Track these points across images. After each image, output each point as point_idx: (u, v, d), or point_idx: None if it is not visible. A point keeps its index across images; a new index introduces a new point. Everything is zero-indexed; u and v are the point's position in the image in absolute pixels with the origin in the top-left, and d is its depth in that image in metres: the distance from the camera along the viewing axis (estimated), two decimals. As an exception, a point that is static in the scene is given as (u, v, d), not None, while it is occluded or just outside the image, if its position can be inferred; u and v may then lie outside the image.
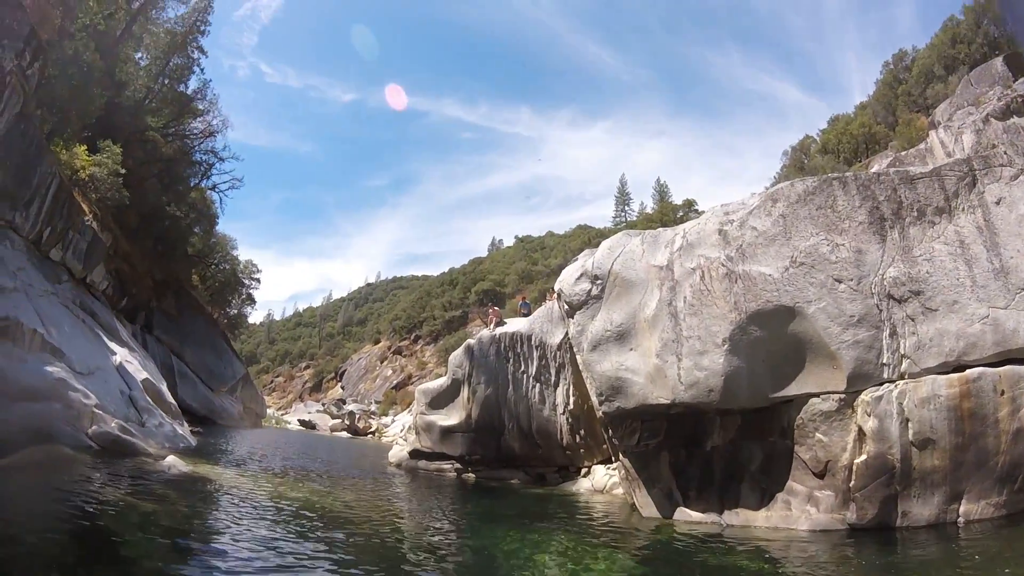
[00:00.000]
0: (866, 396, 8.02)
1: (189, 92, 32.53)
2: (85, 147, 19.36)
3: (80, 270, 17.27)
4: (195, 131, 34.50)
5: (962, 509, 7.67)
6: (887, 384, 8.01)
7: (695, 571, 6.54)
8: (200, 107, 33.38)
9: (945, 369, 7.93)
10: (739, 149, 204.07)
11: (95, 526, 6.07)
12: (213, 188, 37.91)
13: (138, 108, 27.92)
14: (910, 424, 7.77)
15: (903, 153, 22.77)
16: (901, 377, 8.04)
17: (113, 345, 15.63)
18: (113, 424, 11.56)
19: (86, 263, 17.47)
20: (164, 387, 17.50)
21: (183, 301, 31.47)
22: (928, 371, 7.97)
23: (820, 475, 8.30)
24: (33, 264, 13.76)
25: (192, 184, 35.88)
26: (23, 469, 7.76)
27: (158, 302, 27.90)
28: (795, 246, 8.74)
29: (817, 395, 8.37)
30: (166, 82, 31.05)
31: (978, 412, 7.67)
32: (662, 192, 74.69)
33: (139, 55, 29.35)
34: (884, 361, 8.06)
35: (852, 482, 7.95)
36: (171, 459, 11.39)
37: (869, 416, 7.90)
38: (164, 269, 30.14)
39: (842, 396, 8.18)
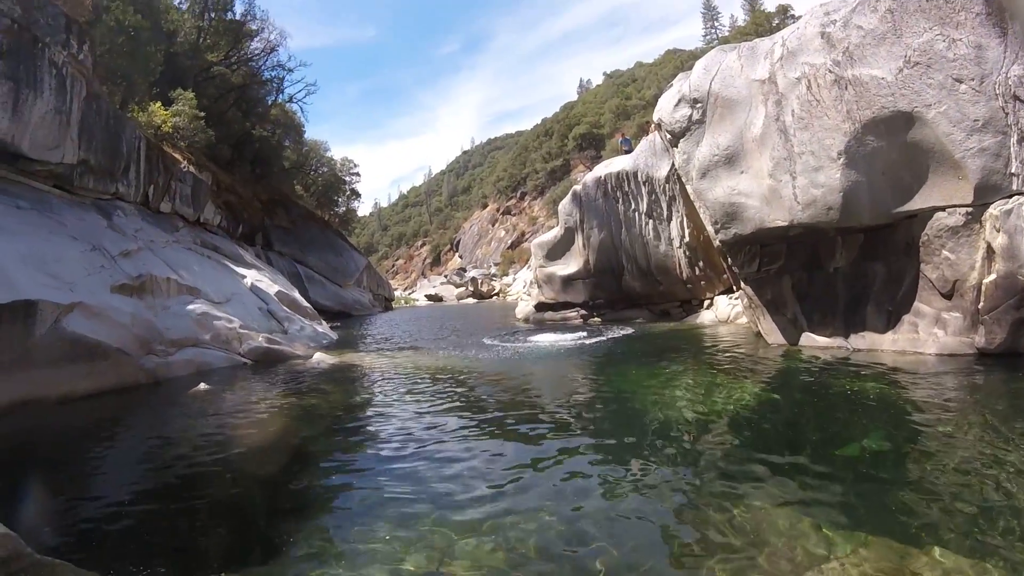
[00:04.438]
0: (994, 210, 7.18)
1: (238, 18, 32.84)
2: (159, 103, 20.31)
3: (191, 213, 18.75)
4: (256, 52, 34.97)
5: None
6: (1017, 196, 7.06)
7: (823, 396, 6.54)
8: (253, 28, 33.57)
9: (1082, 181, 6.79)
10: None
11: (269, 427, 6.76)
12: (291, 100, 39.33)
13: (195, 50, 28.68)
14: (1042, 242, 6.86)
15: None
16: (1032, 189, 6.99)
17: (241, 270, 17.17)
18: (260, 338, 12.87)
19: (195, 205, 18.94)
20: (296, 294, 19.04)
21: (293, 212, 33.60)
22: (1062, 182, 6.86)
23: (948, 296, 7.79)
24: (148, 222, 15.09)
25: (269, 102, 37.19)
26: (198, 397, 8.64)
27: (271, 220, 30.00)
28: (907, 44, 7.58)
29: (942, 209, 7.62)
30: (213, 16, 31.36)
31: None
32: (752, 1, 66.45)
33: (177, 0, 29.63)
34: (1013, 171, 7.07)
35: (981, 303, 7.39)
36: (318, 356, 12.43)
37: (998, 232, 7.12)
38: (267, 188, 32.10)
39: (969, 209, 7.39)
